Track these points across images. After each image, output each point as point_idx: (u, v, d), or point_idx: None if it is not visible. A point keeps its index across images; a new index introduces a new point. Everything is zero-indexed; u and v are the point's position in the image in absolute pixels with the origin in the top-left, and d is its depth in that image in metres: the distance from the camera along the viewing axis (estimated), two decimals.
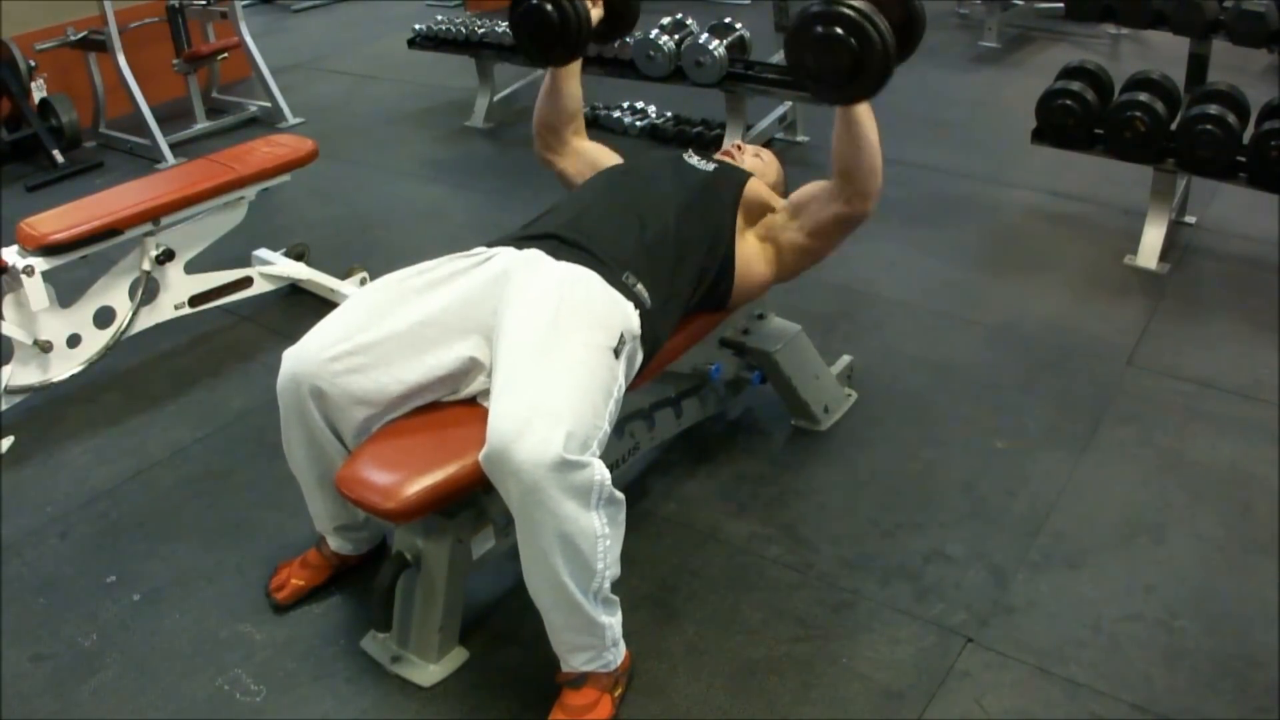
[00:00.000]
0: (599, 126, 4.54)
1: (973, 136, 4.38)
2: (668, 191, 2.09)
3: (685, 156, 2.26)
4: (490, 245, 1.96)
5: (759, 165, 2.37)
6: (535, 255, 1.89)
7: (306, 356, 1.81)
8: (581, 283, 1.83)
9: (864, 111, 1.99)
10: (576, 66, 2.37)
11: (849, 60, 1.85)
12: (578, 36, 2.25)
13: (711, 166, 2.22)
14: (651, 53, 3.98)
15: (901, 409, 2.63)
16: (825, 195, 2.13)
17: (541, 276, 1.84)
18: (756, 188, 2.20)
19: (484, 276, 1.87)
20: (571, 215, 2.01)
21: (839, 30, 1.84)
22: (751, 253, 2.16)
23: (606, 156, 2.39)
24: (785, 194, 2.38)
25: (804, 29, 1.89)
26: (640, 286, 1.88)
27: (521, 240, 1.96)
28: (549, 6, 2.21)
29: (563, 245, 1.91)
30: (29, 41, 4.44)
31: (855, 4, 1.84)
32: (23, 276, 2.59)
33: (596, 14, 2.33)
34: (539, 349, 1.69)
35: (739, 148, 2.42)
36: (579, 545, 1.61)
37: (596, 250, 1.90)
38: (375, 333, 1.80)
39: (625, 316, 1.82)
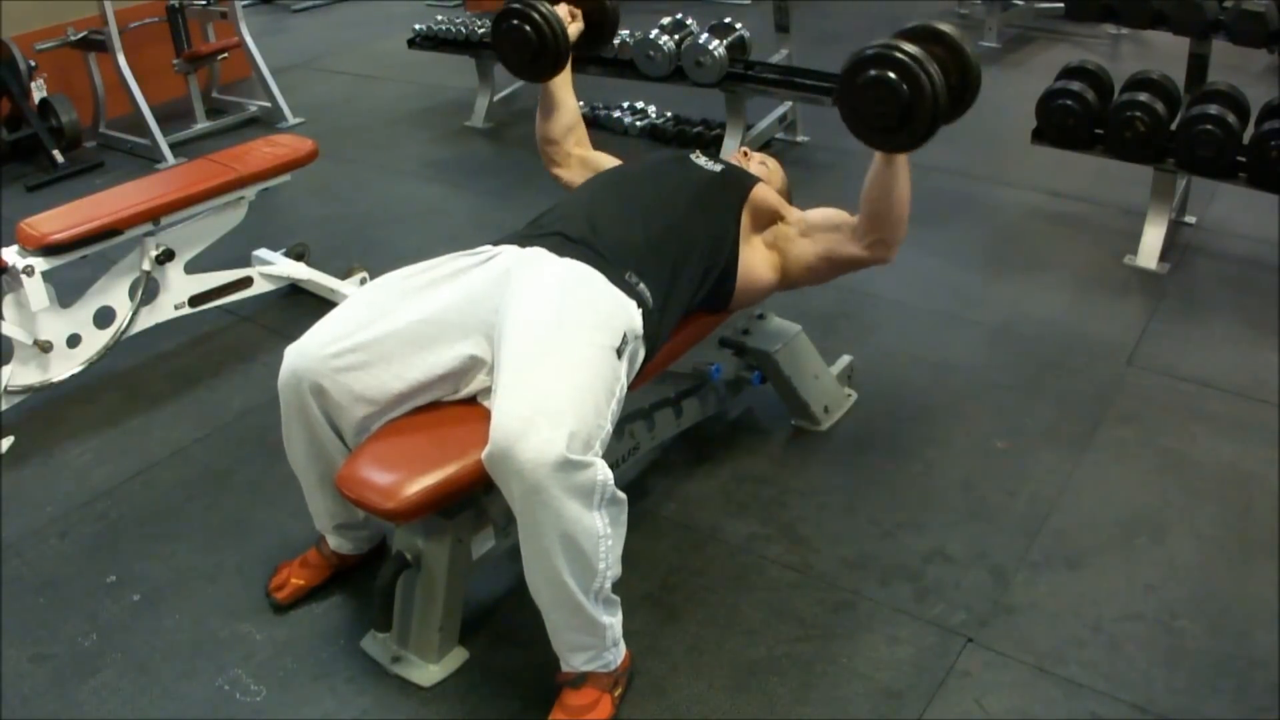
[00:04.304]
0: (599, 126, 4.54)
1: (973, 136, 4.36)
2: (673, 190, 2.09)
3: (692, 156, 2.26)
4: (495, 243, 1.97)
5: (764, 172, 2.37)
6: (538, 253, 1.89)
7: (308, 353, 1.81)
8: (584, 281, 1.83)
9: (903, 162, 1.99)
10: (567, 79, 2.41)
11: (898, 107, 1.84)
12: (557, 52, 2.29)
13: (718, 167, 2.23)
14: (651, 53, 3.98)
15: (901, 409, 2.63)
16: (847, 232, 2.13)
17: (544, 274, 1.84)
18: (765, 193, 2.20)
19: (486, 275, 1.87)
20: (576, 213, 2.02)
21: (892, 75, 1.82)
22: (756, 257, 2.16)
23: (611, 163, 2.40)
24: (789, 199, 2.39)
25: (856, 71, 1.87)
26: (643, 285, 1.88)
27: (526, 238, 1.96)
28: (527, 27, 2.26)
29: (566, 243, 1.91)
30: (29, 41, 4.44)
31: (910, 50, 1.83)
32: (23, 276, 2.59)
33: (575, 29, 2.39)
34: (542, 348, 1.69)
35: (745, 154, 2.42)
36: (581, 545, 1.61)
37: (600, 248, 1.90)
38: (377, 330, 1.80)
39: (628, 316, 1.82)
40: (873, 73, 1.84)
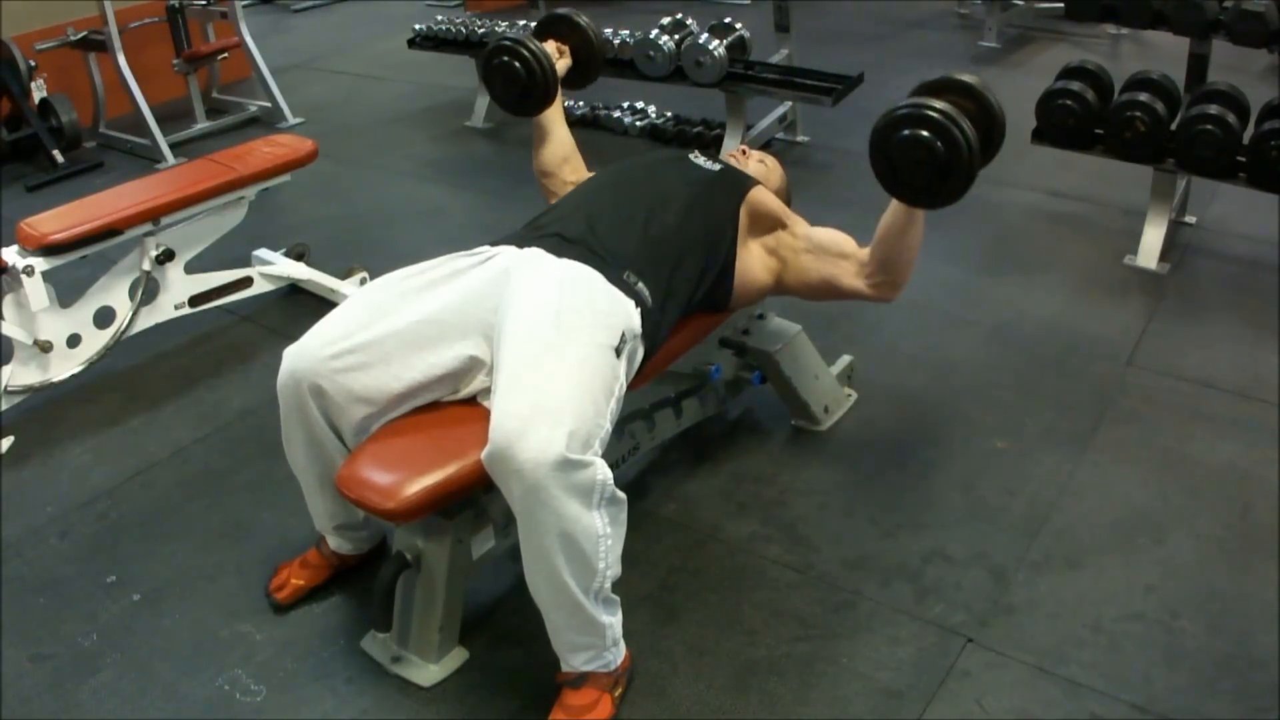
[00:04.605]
0: (599, 126, 4.54)
1: None
2: (671, 190, 2.10)
3: (691, 156, 2.27)
4: (494, 244, 1.97)
5: (762, 170, 2.38)
6: (536, 254, 1.90)
7: (307, 354, 1.81)
8: (583, 281, 1.83)
9: (921, 215, 2.01)
10: (558, 111, 2.46)
11: (936, 165, 1.86)
12: (546, 87, 2.35)
13: (717, 167, 2.23)
14: (651, 53, 3.98)
15: (901, 409, 2.63)
16: (854, 266, 2.14)
17: (542, 275, 1.84)
18: (763, 196, 2.20)
19: (485, 275, 1.87)
20: (574, 213, 2.02)
21: (925, 133, 1.84)
22: (754, 260, 2.17)
23: None
24: (788, 199, 2.39)
25: (890, 130, 1.89)
26: (641, 285, 1.89)
27: (524, 239, 1.96)
28: (516, 64, 2.32)
29: (564, 243, 1.91)
30: (29, 41, 4.44)
31: (941, 107, 1.85)
32: (23, 276, 2.59)
33: (563, 64, 2.47)
34: (541, 348, 1.69)
35: (744, 152, 2.42)
36: (580, 544, 1.61)
37: (598, 248, 1.90)
38: (376, 331, 1.80)
39: (626, 315, 1.82)
40: (906, 132, 1.86)
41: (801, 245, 2.19)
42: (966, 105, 1.96)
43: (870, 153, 1.94)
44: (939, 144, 1.84)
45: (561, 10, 2.57)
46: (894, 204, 2.02)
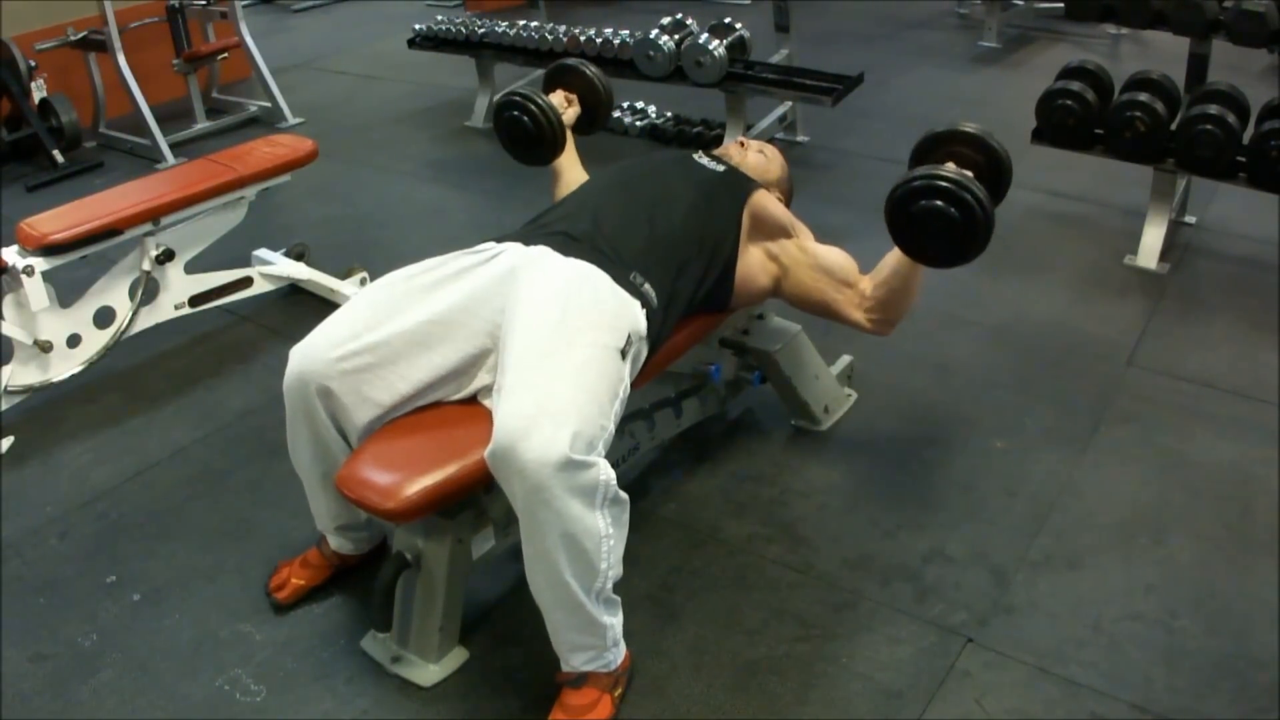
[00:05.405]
0: None
1: None
2: (676, 190, 2.10)
3: (696, 156, 2.27)
4: (499, 241, 1.97)
5: (762, 161, 2.38)
6: (543, 252, 1.89)
7: (314, 355, 1.80)
8: (589, 282, 1.83)
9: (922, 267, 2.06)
10: (571, 156, 2.51)
11: (953, 232, 1.90)
12: (554, 139, 2.42)
13: (721, 168, 2.23)
14: (651, 53, 3.98)
15: (901, 409, 2.63)
16: (854, 297, 2.17)
17: (549, 274, 1.84)
18: (767, 202, 2.20)
19: (491, 274, 1.87)
20: (580, 211, 2.02)
21: (940, 203, 1.88)
22: (754, 263, 2.17)
23: None
24: (790, 191, 2.39)
25: (905, 202, 1.92)
26: (647, 286, 1.89)
27: (530, 236, 1.96)
28: (526, 118, 2.39)
29: (571, 242, 1.91)
30: (29, 41, 4.45)
31: (951, 174, 1.89)
32: (23, 276, 2.59)
33: (572, 113, 2.54)
34: (547, 349, 1.69)
35: (742, 144, 2.43)
36: (583, 545, 1.61)
37: (605, 248, 1.90)
38: (383, 331, 1.80)
39: (632, 317, 1.82)
40: (922, 203, 1.90)
41: (806, 260, 2.19)
42: (975, 157, 2.01)
43: (887, 222, 1.98)
44: (954, 211, 1.88)
45: (569, 60, 2.63)
46: (900, 255, 2.04)
